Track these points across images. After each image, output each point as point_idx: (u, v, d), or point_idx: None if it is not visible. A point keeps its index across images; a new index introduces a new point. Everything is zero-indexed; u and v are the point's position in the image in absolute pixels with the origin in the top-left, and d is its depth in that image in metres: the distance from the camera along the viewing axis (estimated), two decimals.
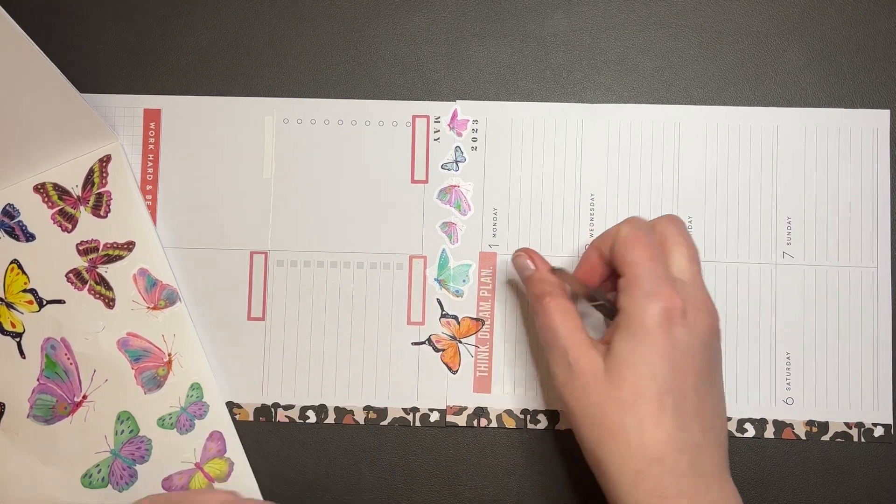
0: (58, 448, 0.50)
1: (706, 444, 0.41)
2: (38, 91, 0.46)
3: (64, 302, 0.51)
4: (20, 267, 0.51)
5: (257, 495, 0.51)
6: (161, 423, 0.50)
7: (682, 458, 0.39)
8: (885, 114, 0.52)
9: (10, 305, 0.51)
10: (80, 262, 0.51)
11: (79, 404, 0.50)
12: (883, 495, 0.50)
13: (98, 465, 0.50)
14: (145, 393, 0.50)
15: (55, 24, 0.54)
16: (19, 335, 0.51)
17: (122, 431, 0.50)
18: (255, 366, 0.52)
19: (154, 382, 0.51)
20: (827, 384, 0.51)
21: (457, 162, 0.53)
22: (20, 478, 0.50)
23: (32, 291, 0.51)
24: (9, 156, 0.50)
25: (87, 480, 0.50)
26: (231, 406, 0.52)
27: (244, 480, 0.50)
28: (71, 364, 0.51)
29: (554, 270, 0.45)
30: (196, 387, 0.51)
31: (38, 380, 0.50)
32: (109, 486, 0.50)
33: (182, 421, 0.50)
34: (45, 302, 0.51)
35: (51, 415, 0.50)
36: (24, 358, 0.51)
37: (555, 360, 0.43)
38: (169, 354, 0.51)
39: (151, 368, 0.51)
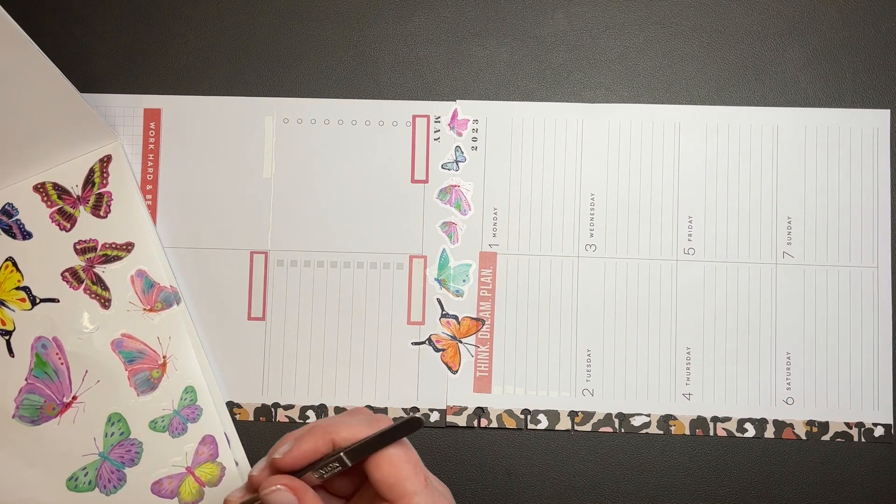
0: (43, 450, 0.49)
1: None
2: (38, 91, 0.46)
3: (58, 301, 0.51)
4: (14, 264, 0.51)
5: None
6: (153, 425, 0.50)
7: None
8: (885, 114, 0.52)
9: (1, 303, 0.51)
10: (77, 262, 0.51)
11: (68, 405, 0.50)
12: (883, 495, 0.50)
13: (85, 468, 0.50)
14: (138, 395, 0.50)
15: (55, 24, 0.54)
16: (9, 333, 0.50)
17: (113, 433, 0.50)
18: (255, 366, 0.52)
19: (148, 384, 0.50)
20: (827, 384, 0.51)
21: (457, 162, 0.53)
22: (1, 480, 0.49)
23: (25, 289, 0.51)
24: (9, 156, 0.50)
25: (73, 483, 0.49)
26: (231, 406, 0.52)
27: (237, 485, 0.50)
28: (62, 364, 0.50)
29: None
30: (190, 390, 0.50)
31: (25, 379, 0.50)
32: (96, 489, 0.49)
33: (175, 424, 0.50)
34: (38, 300, 0.51)
35: (38, 415, 0.50)
36: (13, 356, 0.50)
37: None
38: (164, 357, 0.51)
39: (145, 370, 0.50)
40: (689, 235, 0.52)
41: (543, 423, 0.51)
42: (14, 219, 0.51)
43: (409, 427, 0.37)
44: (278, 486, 0.37)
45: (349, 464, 0.37)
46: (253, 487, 0.39)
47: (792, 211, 0.52)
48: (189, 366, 0.51)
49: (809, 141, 0.52)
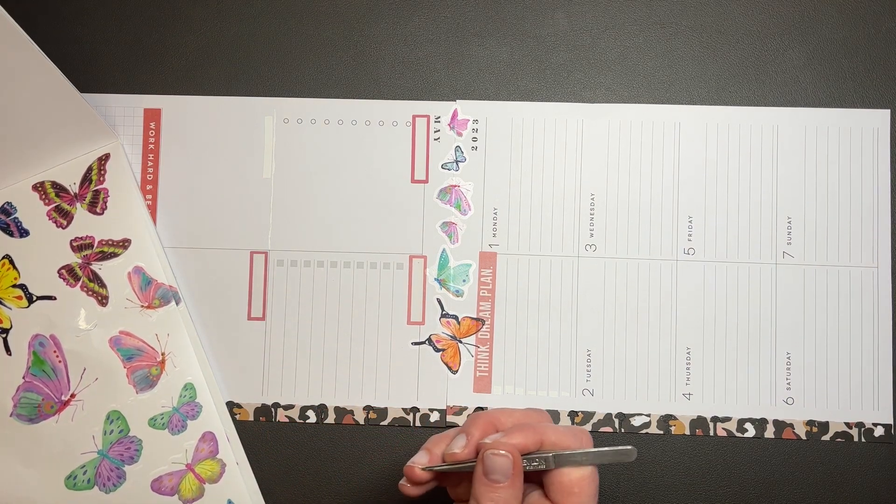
0: (41, 449, 0.49)
1: None
2: (38, 91, 0.46)
3: (55, 298, 0.51)
4: (11, 262, 0.51)
5: (257, 495, 0.51)
6: (152, 423, 0.50)
7: None
8: (885, 114, 0.52)
9: None
10: (74, 259, 0.51)
11: (66, 403, 0.50)
12: (883, 495, 0.50)
13: (84, 466, 0.49)
14: (137, 392, 0.50)
15: (55, 24, 0.54)
16: (6, 331, 0.50)
17: (112, 431, 0.50)
18: (255, 366, 0.52)
19: (146, 382, 0.50)
20: (827, 384, 0.51)
21: (457, 162, 0.53)
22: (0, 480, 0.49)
23: (22, 287, 0.51)
24: (9, 156, 0.50)
25: (72, 482, 0.49)
26: (231, 406, 0.52)
27: (237, 482, 0.50)
28: (60, 362, 0.50)
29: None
30: (189, 387, 0.50)
31: (23, 377, 0.50)
32: (96, 487, 0.49)
33: (174, 421, 0.50)
34: (35, 298, 0.51)
35: (35, 414, 0.50)
36: (10, 354, 0.50)
37: None
38: (162, 354, 0.51)
39: (144, 367, 0.50)
40: (689, 235, 0.52)
41: None
42: (12, 217, 0.51)
43: (622, 456, 0.39)
44: (506, 453, 0.39)
45: (553, 466, 0.39)
46: (444, 459, 0.41)
47: (792, 211, 0.52)
48: (188, 363, 0.51)
49: (809, 141, 0.52)
